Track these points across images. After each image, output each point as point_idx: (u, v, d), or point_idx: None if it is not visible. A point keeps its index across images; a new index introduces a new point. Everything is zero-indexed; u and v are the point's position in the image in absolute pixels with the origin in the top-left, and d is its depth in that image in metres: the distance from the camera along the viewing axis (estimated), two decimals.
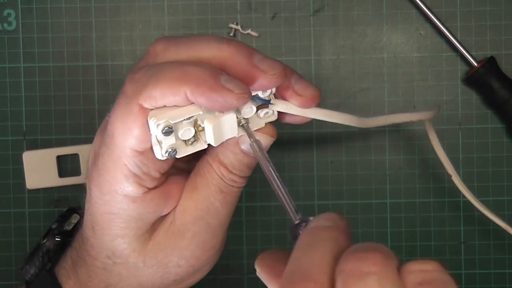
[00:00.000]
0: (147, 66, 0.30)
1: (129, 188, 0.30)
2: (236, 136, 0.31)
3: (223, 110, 0.29)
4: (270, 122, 0.32)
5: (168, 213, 0.32)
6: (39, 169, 0.46)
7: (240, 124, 0.31)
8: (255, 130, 0.31)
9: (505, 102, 0.45)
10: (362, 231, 0.47)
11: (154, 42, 0.31)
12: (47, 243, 0.38)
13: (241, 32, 0.46)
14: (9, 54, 0.47)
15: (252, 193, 0.47)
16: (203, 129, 0.30)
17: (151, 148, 0.29)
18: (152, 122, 0.28)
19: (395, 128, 0.47)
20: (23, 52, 0.47)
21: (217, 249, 0.34)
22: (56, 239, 0.38)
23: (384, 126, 0.46)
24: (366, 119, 0.34)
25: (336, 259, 0.22)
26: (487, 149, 0.47)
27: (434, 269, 0.22)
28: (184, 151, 0.30)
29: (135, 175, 0.30)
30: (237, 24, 0.46)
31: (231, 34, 0.46)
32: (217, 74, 0.28)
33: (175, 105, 0.28)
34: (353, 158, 0.47)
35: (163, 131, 0.28)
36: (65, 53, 0.47)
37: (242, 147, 0.31)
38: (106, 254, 0.32)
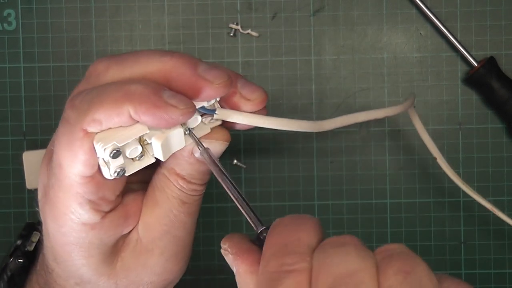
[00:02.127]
0: (87, 90, 0.29)
1: (85, 215, 0.29)
2: (184, 146, 0.30)
3: (169, 126, 0.28)
4: (219, 126, 0.32)
5: (131, 231, 0.32)
6: (39, 169, 0.46)
7: (186, 133, 0.30)
8: (202, 137, 0.31)
9: (505, 102, 0.45)
10: (362, 231, 0.47)
11: (95, 62, 0.30)
12: (11, 266, 0.37)
13: (241, 32, 0.46)
14: (9, 54, 0.47)
15: (252, 193, 0.47)
16: (149, 143, 0.29)
17: (100, 170, 0.29)
18: (98, 147, 0.28)
19: (395, 128, 0.47)
20: (23, 52, 0.47)
21: (187, 258, 0.33)
22: (19, 260, 0.37)
23: (384, 126, 0.47)
24: (322, 122, 0.32)
25: (319, 242, 0.24)
26: (487, 149, 0.46)
27: (397, 247, 0.24)
28: (132, 168, 0.30)
29: (90, 201, 0.29)
30: (237, 24, 0.46)
31: (231, 34, 0.46)
32: (160, 90, 0.27)
33: (120, 126, 0.28)
34: (353, 158, 0.47)
35: (111, 155, 0.28)
36: (65, 53, 0.47)
37: (197, 156, 0.31)
38: (75, 282, 0.31)
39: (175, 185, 0.31)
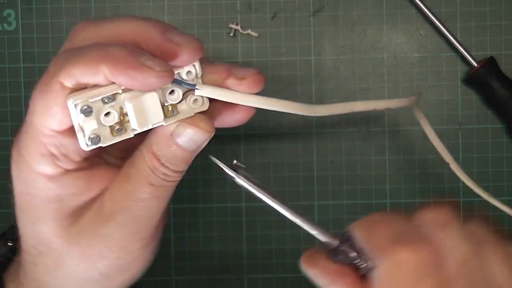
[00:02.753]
0: (71, 48, 0.30)
1: (44, 166, 0.30)
2: (163, 123, 0.30)
3: (145, 89, 0.28)
4: (202, 113, 0.31)
5: (94, 200, 0.31)
6: None
7: (169, 113, 0.30)
8: (184, 120, 0.30)
9: (505, 102, 0.45)
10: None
11: (75, 25, 0.31)
12: (1, 248, 0.37)
13: (241, 32, 0.46)
14: (9, 54, 0.47)
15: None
16: (128, 118, 0.29)
17: (72, 129, 0.29)
18: (70, 103, 0.28)
19: (395, 128, 0.47)
20: (23, 52, 0.47)
21: (146, 242, 0.33)
22: (9, 244, 0.37)
23: (384, 126, 0.47)
24: (315, 106, 0.32)
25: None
26: (487, 149, 0.47)
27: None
28: (109, 140, 0.29)
29: (52, 154, 0.29)
30: (237, 24, 0.46)
31: (231, 34, 0.46)
32: (137, 52, 0.28)
33: (96, 86, 0.28)
34: (353, 158, 0.47)
35: (82, 111, 0.28)
36: None
37: (177, 140, 0.30)
38: (32, 244, 0.32)
39: (148, 164, 0.30)
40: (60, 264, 0.32)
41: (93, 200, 0.31)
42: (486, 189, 0.43)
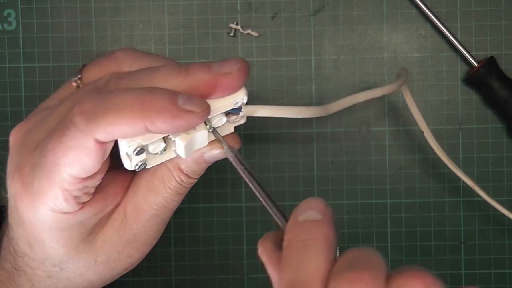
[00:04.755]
0: (96, 93, 0.29)
1: (67, 207, 0.29)
2: (206, 144, 0.31)
3: (187, 130, 0.29)
4: (234, 133, 0.32)
5: (115, 210, 0.32)
6: None
7: (210, 130, 0.31)
8: (213, 142, 0.31)
9: (505, 102, 0.45)
10: (362, 231, 0.47)
11: (106, 79, 0.30)
12: None
13: (241, 32, 0.46)
14: (9, 54, 0.47)
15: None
16: (173, 141, 0.30)
17: (97, 173, 0.29)
18: (123, 143, 0.28)
19: (395, 128, 0.47)
20: (23, 52, 0.47)
21: (163, 229, 0.35)
22: None
23: (384, 126, 0.47)
24: (327, 106, 0.34)
25: (331, 266, 0.25)
26: (487, 149, 0.47)
27: (431, 282, 0.23)
28: (153, 162, 0.30)
29: (75, 197, 0.29)
30: (237, 24, 0.46)
31: (231, 34, 0.46)
32: (174, 97, 0.27)
33: None
34: (353, 158, 0.47)
35: (135, 152, 0.28)
36: (65, 53, 0.47)
37: (206, 158, 0.31)
38: (52, 263, 0.32)
39: (176, 179, 0.32)
40: (86, 274, 0.33)
41: (110, 212, 0.32)
42: (486, 189, 0.43)
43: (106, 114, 0.27)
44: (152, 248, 0.47)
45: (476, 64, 0.45)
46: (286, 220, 0.29)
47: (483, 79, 0.45)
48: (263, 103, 0.46)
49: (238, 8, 0.47)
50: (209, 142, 0.31)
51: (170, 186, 0.32)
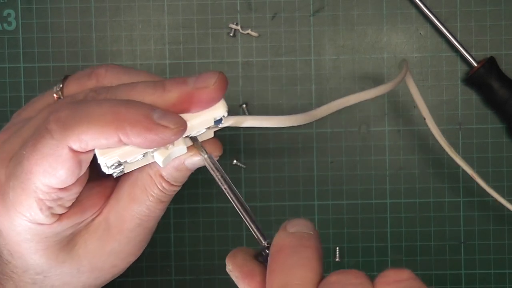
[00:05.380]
0: (73, 103, 0.29)
1: (42, 218, 0.29)
2: (185, 152, 0.31)
3: (161, 146, 0.29)
4: (214, 138, 0.32)
5: (96, 219, 0.32)
6: None
7: (189, 136, 0.30)
8: (202, 142, 0.31)
9: (505, 102, 0.45)
10: (362, 231, 0.47)
11: (85, 92, 0.30)
12: None
13: (241, 32, 0.46)
14: (9, 54, 0.47)
15: (252, 194, 0.47)
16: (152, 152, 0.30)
17: (72, 184, 0.29)
18: (102, 159, 0.28)
19: (395, 128, 0.47)
20: (23, 52, 0.47)
21: (149, 239, 0.34)
22: None
23: (384, 126, 0.46)
24: (312, 112, 0.33)
25: (321, 278, 0.24)
26: (487, 149, 0.46)
27: (408, 277, 0.24)
28: (132, 167, 0.30)
29: (49, 207, 0.29)
30: (237, 24, 0.46)
31: (231, 34, 0.46)
32: (150, 111, 0.27)
33: None
34: (353, 158, 0.47)
35: (113, 167, 0.28)
36: (65, 53, 0.47)
37: (187, 165, 0.31)
38: (35, 272, 0.31)
39: (158, 187, 0.31)
40: (69, 282, 0.32)
41: (91, 221, 0.32)
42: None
43: (80, 122, 0.27)
44: (152, 248, 0.47)
45: (476, 64, 0.45)
46: (263, 236, 0.29)
47: (483, 79, 0.45)
48: (263, 103, 0.46)
49: (238, 8, 0.47)
50: (189, 147, 0.31)
51: (153, 194, 0.31)
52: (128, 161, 0.29)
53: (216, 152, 0.32)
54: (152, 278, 0.47)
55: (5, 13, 0.46)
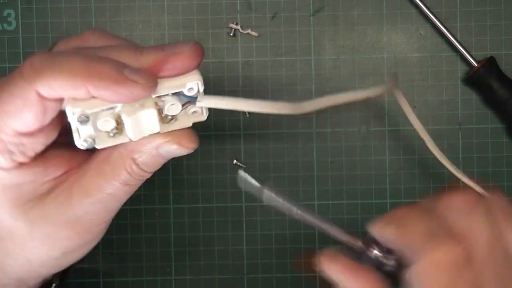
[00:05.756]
0: (49, 52, 0.29)
1: (2, 161, 0.29)
2: (159, 131, 0.30)
3: (131, 101, 0.29)
4: (189, 128, 0.31)
5: (60, 187, 0.32)
6: None
7: (167, 120, 0.30)
8: (174, 130, 0.31)
9: (505, 102, 0.45)
10: (362, 231, 0.47)
11: (66, 52, 0.30)
12: None
13: (241, 32, 0.46)
14: (9, 54, 0.47)
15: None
16: (123, 121, 0.29)
17: (35, 130, 0.29)
18: (68, 109, 0.28)
19: (395, 128, 0.47)
20: (23, 52, 0.47)
21: (109, 221, 0.34)
22: None
23: (384, 126, 0.46)
24: (302, 104, 0.32)
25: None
26: (487, 149, 0.46)
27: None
28: (104, 142, 0.30)
29: (9, 151, 0.29)
30: (237, 24, 0.46)
31: (231, 34, 0.46)
32: (121, 66, 0.28)
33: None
34: (353, 158, 0.47)
35: (78, 120, 0.28)
36: None
37: (160, 151, 0.31)
38: None
39: (126, 168, 0.31)
40: (21, 247, 0.32)
41: (54, 186, 0.32)
42: (486, 189, 0.43)
43: (51, 68, 0.27)
44: (152, 248, 0.47)
45: (476, 64, 0.45)
46: (351, 236, 0.31)
47: (483, 79, 0.45)
48: None
49: (238, 8, 0.47)
50: (166, 134, 0.30)
51: (119, 174, 0.31)
52: (98, 125, 0.29)
53: (189, 144, 0.31)
54: (152, 278, 0.47)
55: (5, 13, 0.46)
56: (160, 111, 0.30)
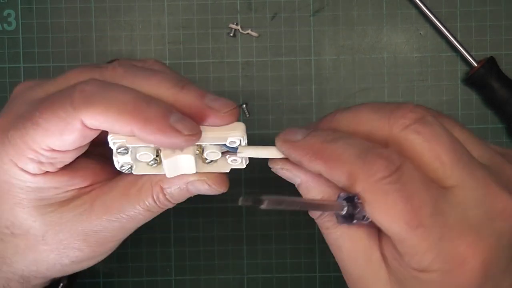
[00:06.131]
0: (101, 81, 0.29)
1: (29, 166, 0.30)
2: (195, 171, 0.31)
3: (173, 148, 0.29)
4: (225, 174, 0.32)
5: (82, 197, 0.32)
6: None
7: (206, 161, 0.31)
8: (207, 172, 0.31)
9: (505, 102, 0.45)
10: None
11: (114, 64, 0.31)
12: None
13: (241, 32, 0.46)
14: (9, 54, 0.47)
15: (252, 193, 0.47)
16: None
17: (70, 150, 0.29)
18: (110, 138, 0.29)
19: None
20: (23, 52, 0.47)
21: (122, 240, 0.34)
22: None
23: None
24: None
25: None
26: None
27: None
28: (142, 170, 0.31)
29: (40, 162, 0.30)
30: (237, 24, 0.46)
31: (231, 34, 0.46)
32: (168, 113, 0.28)
33: None
34: None
35: (118, 151, 0.29)
36: (65, 53, 0.47)
37: (190, 187, 0.32)
38: (5, 224, 0.32)
39: (153, 195, 0.32)
40: (33, 248, 0.32)
41: (77, 196, 0.32)
42: None
43: (101, 101, 0.28)
44: (152, 248, 0.47)
45: (476, 64, 0.45)
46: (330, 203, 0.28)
47: (483, 79, 0.45)
48: (263, 103, 0.46)
49: (238, 8, 0.47)
50: (199, 174, 0.31)
51: (145, 199, 0.32)
52: (137, 156, 0.29)
53: (220, 188, 0.32)
54: (152, 278, 0.47)
55: (5, 13, 0.46)
56: (200, 151, 0.30)
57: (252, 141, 0.47)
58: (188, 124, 0.28)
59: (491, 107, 0.46)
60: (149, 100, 0.28)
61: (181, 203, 0.45)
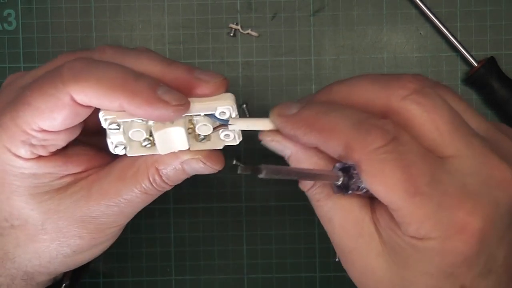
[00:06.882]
0: (89, 59, 0.30)
1: (21, 150, 0.30)
2: (189, 148, 0.31)
3: (162, 121, 0.29)
4: (219, 150, 0.32)
5: (78, 184, 0.32)
6: None
7: (199, 139, 0.31)
8: (200, 150, 0.31)
9: (505, 102, 0.45)
10: None
11: (102, 46, 0.31)
12: None
13: (241, 32, 0.46)
14: (9, 54, 0.47)
15: (252, 193, 0.47)
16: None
17: (61, 131, 0.29)
18: (101, 114, 0.29)
19: None
20: (23, 52, 0.47)
21: (123, 225, 0.34)
22: None
23: None
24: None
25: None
26: None
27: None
28: (136, 151, 0.31)
29: (32, 144, 0.30)
30: (237, 24, 0.46)
31: (231, 34, 0.46)
32: (155, 85, 0.28)
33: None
34: None
35: (109, 127, 0.29)
36: None
37: (185, 167, 0.31)
38: (4, 216, 0.32)
39: (148, 177, 0.31)
40: (33, 238, 0.32)
41: (73, 182, 0.32)
42: None
43: (90, 76, 0.28)
44: (152, 248, 0.47)
45: (476, 64, 0.45)
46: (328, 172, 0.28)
47: (483, 79, 0.45)
48: (263, 103, 0.46)
49: (238, 8, 0.47)
50: (194, 152, 0.31)
51: (141, 181, 0.32)
52: (129, 134, 0.29)
53: (216, 165, 0.32)
54: (152, 278, 0.47)
55: (5, 13, 0.47)
56: (192, 129, 0.30)
57: (252, 141, 0.47)
58: (176, 95, 0.28)
59: (491, 107, 0.46)
60: (137, 75, 0.29)
61: (181, 203, 0.45)
